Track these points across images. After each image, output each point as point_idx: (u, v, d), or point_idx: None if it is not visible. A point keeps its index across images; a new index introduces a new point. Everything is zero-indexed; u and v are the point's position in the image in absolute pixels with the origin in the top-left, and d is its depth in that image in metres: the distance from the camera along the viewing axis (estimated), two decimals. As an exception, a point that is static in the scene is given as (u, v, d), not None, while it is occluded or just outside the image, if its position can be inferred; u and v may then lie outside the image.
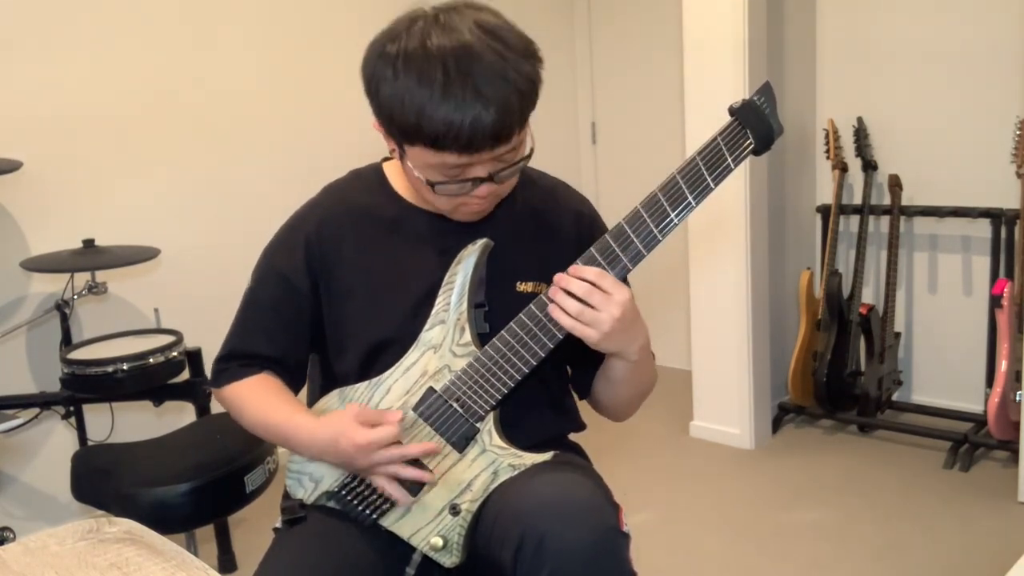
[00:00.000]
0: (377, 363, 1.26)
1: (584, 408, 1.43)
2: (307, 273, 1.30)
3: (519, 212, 1.33)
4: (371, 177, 1.35)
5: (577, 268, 1.15)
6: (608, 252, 1.15)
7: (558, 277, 1.15)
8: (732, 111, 1.13)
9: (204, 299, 2.99)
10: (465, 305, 1.22)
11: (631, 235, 1.14)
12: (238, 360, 1.34)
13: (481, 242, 1.24)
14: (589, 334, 1.14)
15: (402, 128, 1.12)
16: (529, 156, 1.20)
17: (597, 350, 1.19)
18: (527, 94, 1.11)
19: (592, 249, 1.15)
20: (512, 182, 1.24)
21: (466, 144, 1.09)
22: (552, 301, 1.15)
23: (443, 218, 1.29)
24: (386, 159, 1.37)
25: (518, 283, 1.28)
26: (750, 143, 1.13)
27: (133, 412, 2.91)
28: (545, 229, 1.33)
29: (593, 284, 1.13)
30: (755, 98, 1.13)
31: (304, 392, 1.45)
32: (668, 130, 3.95)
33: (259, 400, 1.30)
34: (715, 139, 1.13)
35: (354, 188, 1.35)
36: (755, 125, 1.12)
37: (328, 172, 1.40)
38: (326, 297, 1.30)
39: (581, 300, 1.13)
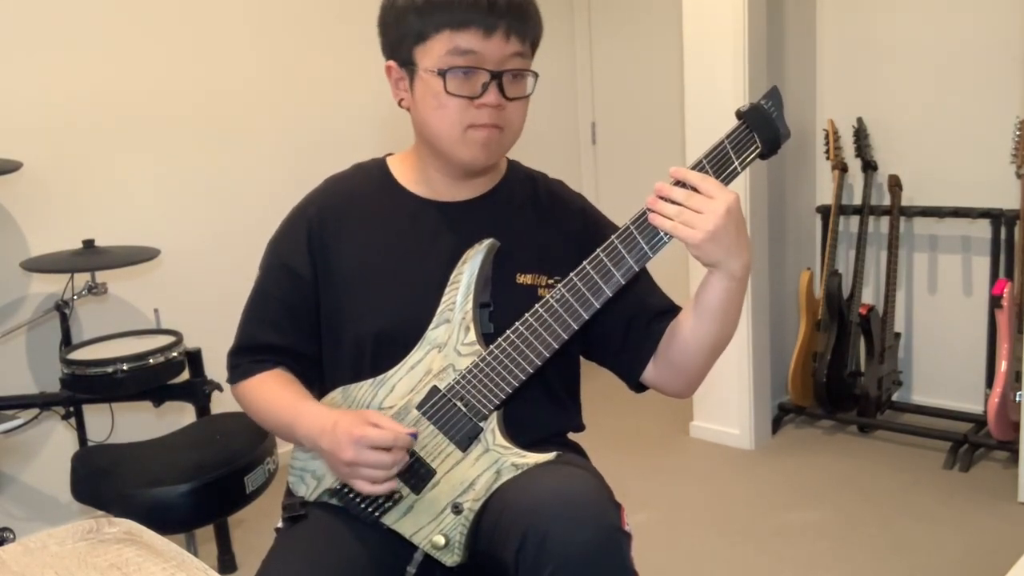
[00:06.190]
0: (376, 357, 1.26)
1: (584, 408, 1.43)
2: (309, 260, 1.30)
3: (518, 204, 1.34)
4: (374, 170, 1.37)
5: (679, 171, 1.11)
6: (614, 253, 1.14)
7: (658, 186, 1.11)
8: (739, 115, 1.13)
9: (204, 299, 2.99)
10: (470, 305, 1.22)
11: (637, 237, 1.14)
12: (250, 355, 1.34)
13: (487, 242, 1.25)
14: (690, 235, 1.08)
15: (418, 19, 1.17)
16: (533, 84, 1.24)
17: (697, 258, 1.13)
18: (536, 12, 1.23)
19: (599, 251, 1.15)
20: (518, 117, 1.24)
21: (488, 6, 1.15)
22: (651, 210, 1.11)
23: (445, 209, 1.30)
24: (388, 155, 1.39)
25: (518, 274, 1.28)
26: (757, 147, 1.13)
27: (133, 412, 2.91)
28: (546, 221, 1.34)
29: (694, 189, 1.10)
30: (763, 102, 1.14)
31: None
32: (668, 130, 3.95)
33: (268, 392, 1.30)
34: (722, 142, 1.13)
35: (357, 179, 1.36)
36: (762, 129, 1.13)
37: (329, 172, 1.41)
38: (325, 284, 1.30)
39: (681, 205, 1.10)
